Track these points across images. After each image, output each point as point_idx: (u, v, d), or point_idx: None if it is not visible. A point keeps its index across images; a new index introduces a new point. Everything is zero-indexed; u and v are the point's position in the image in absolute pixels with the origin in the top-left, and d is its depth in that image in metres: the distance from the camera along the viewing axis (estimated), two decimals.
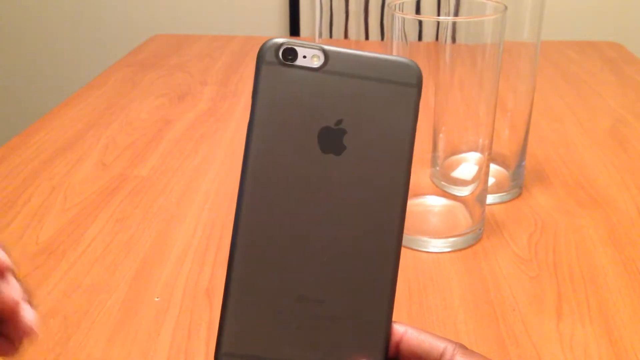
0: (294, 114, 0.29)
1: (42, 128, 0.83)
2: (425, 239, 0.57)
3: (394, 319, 0.29)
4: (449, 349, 0.29)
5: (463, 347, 0.29)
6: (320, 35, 0.63)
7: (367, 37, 1.38)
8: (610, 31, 1.70)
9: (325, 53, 0.29)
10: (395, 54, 0.54)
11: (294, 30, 1.75)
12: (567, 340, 0.47)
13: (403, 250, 0.57)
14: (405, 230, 0.58)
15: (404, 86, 0.29)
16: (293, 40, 0.30)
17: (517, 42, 0.61)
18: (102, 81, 1.01)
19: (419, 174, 0.60)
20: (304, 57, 0.29)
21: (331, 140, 0.29)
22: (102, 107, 0.91)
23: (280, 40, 0.29)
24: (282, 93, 0.29)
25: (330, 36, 0.64)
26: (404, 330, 0.30)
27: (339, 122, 0.29)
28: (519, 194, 0.67)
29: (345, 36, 0.64)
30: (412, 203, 0.60)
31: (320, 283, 0.29)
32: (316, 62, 0.29)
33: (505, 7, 0.53)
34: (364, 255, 0.29)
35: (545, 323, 0.49)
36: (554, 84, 0.99)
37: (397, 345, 0.30)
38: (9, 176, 0.71)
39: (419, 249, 0.57)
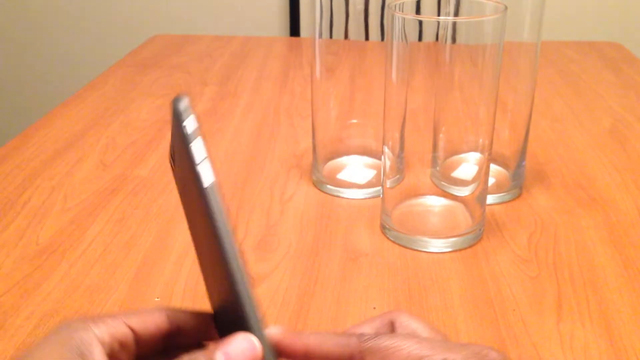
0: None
1: (42, 128, 0.83)
2: (426, 239, 0.57)
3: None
4: (353, 342, 0.31)
5: (363, 335, 0.31)
6: (321, 35, 0.63)
7: (367, 38, 1.37)
8: (610, 31, 1.70)
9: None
10: (395, 54, 0.54)
11: (294, 30, 1.75)
12: (567, 340, 0.47)
13: (404, 250, 0.57)
14: (405, 230, 0.58)
15: (176, 118, 0.31)
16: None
17: (517, 42, 0.61)
18: (103, 81, 1.02)
19: (420, 174, 0.60)
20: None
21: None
22: (102, 107, 0.91)
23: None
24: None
25: (331, 36, 0.64)
26: (281, 335, 0.31)
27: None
28: (519, 194, 0.67)
29: (346, 36, 0.64)
30: (412, 203, 0.60)
31: (215, 295, 0.33)
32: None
33: (506, 7, 0.53)
34: (221, 280, 0.30)
35: (545, 323, 0.49)
36: (554, 84, 0.99)
37: (305, 353, 0.31)
38: (9, 176, 0.71)
39: (419, 249, 0.57)
